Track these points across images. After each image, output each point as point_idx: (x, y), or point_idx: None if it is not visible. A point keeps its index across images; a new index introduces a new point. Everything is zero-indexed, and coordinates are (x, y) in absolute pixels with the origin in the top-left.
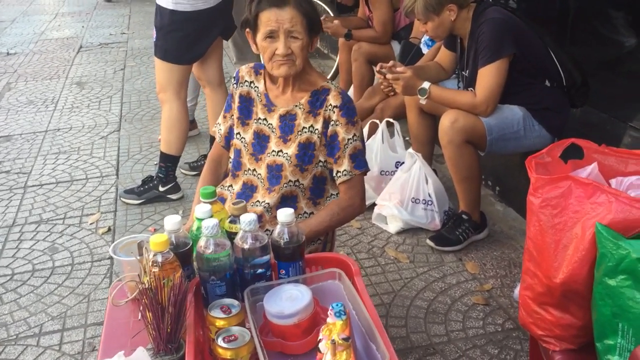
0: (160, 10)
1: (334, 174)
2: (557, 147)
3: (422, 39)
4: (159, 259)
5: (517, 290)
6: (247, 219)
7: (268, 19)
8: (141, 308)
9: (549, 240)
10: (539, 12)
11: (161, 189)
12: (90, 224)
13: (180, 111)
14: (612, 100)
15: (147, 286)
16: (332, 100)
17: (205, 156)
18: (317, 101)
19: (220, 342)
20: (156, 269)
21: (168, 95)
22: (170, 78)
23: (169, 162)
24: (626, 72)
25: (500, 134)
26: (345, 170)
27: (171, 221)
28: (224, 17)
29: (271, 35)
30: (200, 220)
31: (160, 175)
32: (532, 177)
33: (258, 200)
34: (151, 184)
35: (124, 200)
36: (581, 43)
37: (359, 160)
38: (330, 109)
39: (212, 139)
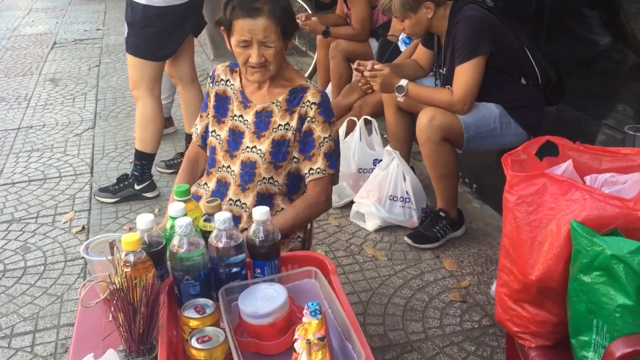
0: (132, 5)
1: (305, 171)
2: (532, 144)
3: (400, 37)
4: (131, 258)
5: (493, 287)
6: (222, 218)
7: (241, 28)
8: (112, 309)
9: (524, 237)
10: (515, 10)
11: (137, 187)
12: (64, 223)
13: (154, 108)
14: (587, 99)
15: (118, 286)
16: (311, 97)
17: (181, 154)
18: (294, 99)
19: (193, 342)
20: (128, 269)
21: (141, 92)
22: (143, 75)
23: (144, 160)
24: (601, 70)
25: (477, 131)
26: (319, 168)
27: (144, 220)
28: (196, 13)
29: (245, 45)
30: (174, 218)
31: (136, 173)
32: (508, 175)
33: (231, 199)
34: (126, 182)
35: (98, 198)
36: (556, 42)
37: (333, 160)
38: (307, 105)
39: (188, 136)
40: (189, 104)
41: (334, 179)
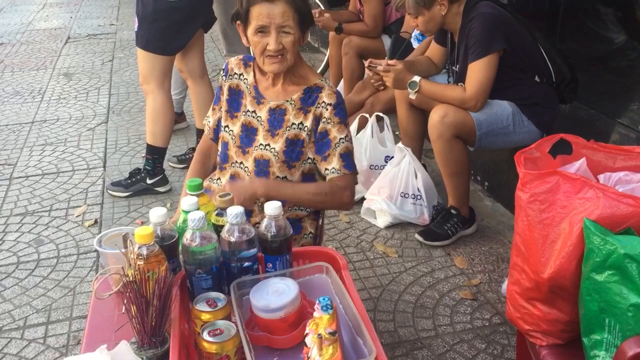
0: (143, 0)
1: (323, 171)
2: (546, 142)
3: (413, 34)
4: (144, 251)
5: (504, 285)
6: (234, 212)
7: (259, 13)
8: (125, 301)
9: (536, 235)
10: (529, 7)
11: (149, 181)
12: (77, 216)
13: (164, 102)
14: (601, 97)
15: (131, 279)
16: (326, 98)
17: (193, 149)
18: (309, 98)
19: (205, 335)
20: (141, 262)
21: (151, 87)
22: (153, 69)
23: (155, 154)
24: (615, 68)
25: (490, 129)
26: (334, 168)
27: (156, 213)
28: (206, 8)
29: (262, 30)
30: (187, 212)
31: (148, 167)
32: (521, 172)
33: None
34: (139, 177)
35: (111, 192)
36: (571, 39)
37: (349, 160)
38: (323, 106)
39: (199, 131)
40: (200, 99)
41: (353, 179)
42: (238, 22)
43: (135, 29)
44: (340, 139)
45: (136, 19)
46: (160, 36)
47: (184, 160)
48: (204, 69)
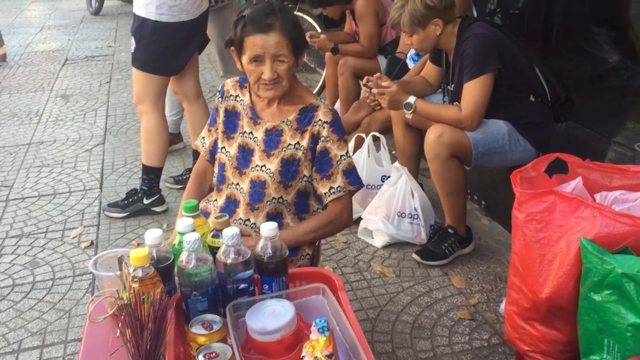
0: (141, 21)
1: (324, 191)
2: (542, 161)
3: (408, 54)
4: (139, 273)
5: (503, 305)
6: (230, 233)
7: (254, 44)
8: (120, 324)
9: (534, 254)
10: (523, 28)
11: (145, 201)
12: (73, 237)
13: (159, 122)
14: (596, 116)
15: (126, 302)
16: (322, 116)
17: (190, 170)
18: (305, 118)
19: (201, 359)
20: (136, 285)
21: (146, 107)
22: (148, 89)
23: (151, 174)
24: (610, 87)
25: (486, 148)
26: (339, 186)
27: (152, 235)
28: (202, 29)
29: (257, 60)
30: (182, 234)
31: (144, 187)
32: (517, 192)
33: (241, 218)
34: (135, 197)
35: (107, 214)
36: (565, 58)
37: (353, 176)
38: (319, 125)
39: (195, 153)
40: (195, 120)
41: (351, 196)
42: (232, 47)
43: (132, 50)
44: (342, 156)
45: (133, 40)
46: (159, 57)
47: (181, 180)
48: (199, 91)
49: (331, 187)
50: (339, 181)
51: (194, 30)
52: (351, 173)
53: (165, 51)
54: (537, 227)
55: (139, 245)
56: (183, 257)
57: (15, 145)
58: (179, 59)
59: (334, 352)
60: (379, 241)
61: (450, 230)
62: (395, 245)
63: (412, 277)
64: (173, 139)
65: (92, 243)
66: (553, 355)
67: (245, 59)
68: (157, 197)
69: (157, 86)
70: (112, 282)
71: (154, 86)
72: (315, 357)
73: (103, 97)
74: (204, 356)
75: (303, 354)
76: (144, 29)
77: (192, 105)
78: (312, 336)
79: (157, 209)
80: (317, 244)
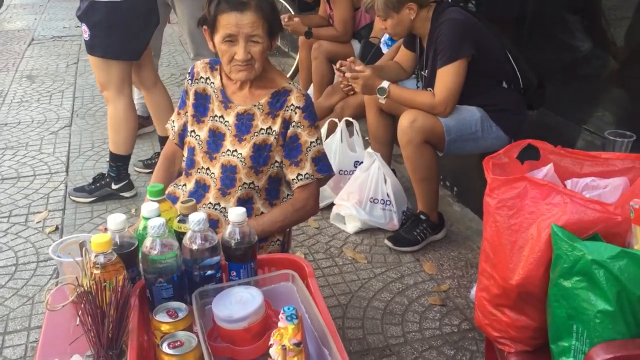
0: (89, 4)
1: (292, 177)
2: (514, 147)
3: (382, 39)
4: (101, 260)
5: (473, 291)
6: (196, 219)
7: (227, 22)
8: (80, 312)
9: (504, 241)
10: (497, 14)
11: (114, 186)
12: (37, 222)
13: (126, 110)
14: (568, 103)
15: (86, 289)
16: (295, 101)
17: (159, 154)
18: (277, 102)
19: (165, 348)
20: (97, 271)
21: (111, 94)
22: (111, 77)
23: (119, 161)
24: (582, 75)
25: (459, 134)
26: (307, 173)
27: (115, 220)
28: (155, 4)
29: (230, 39)
30: (147, 219)
31: (112, 174)
32: (489, 178)
33: (211, 202)
34: (103, 182)
35: (73, 198)
36: (538, 46)
37: (322, 164)
38: (291, 110)
39: (161, 139)
40: (157, 106)
41: (321, 182)
42: (205, 26)
43: (86, 38)
44: (312, 142)
45: (85, 27)
46: (121, 40)
47: (150, 165)
48: (155, 77)
49: (299, 174)
50: (307, 168)
51: (149, 4)
52: (320, 160)
53: (126, 33)
54: (508, 214)
55: (106, 230)
56: (147, 242)
57: None
58: (141, 40)
59: (303, 340)
60: (351, 227)
61: (422, 217)
62: (368, 231)
63: (384, 263)
64: (142, 122)
65: (57, 228)
66: (522, 341)
67: (218, 38)
68: (125, 182)
69: (120, 72)
70: (74, 268)
71: (117, 72)
72: (283, 346)
73: (70, 79)
74: (169, 345)
75: (271, 342)
76: (95, 12)
77: (151, 92)
78: (280, 324)
79: (126, 194)
80: (288, 229)
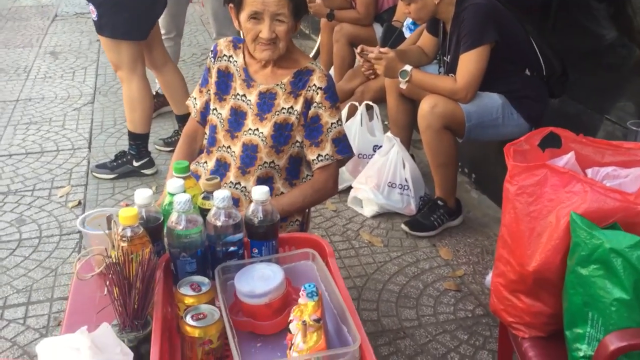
0: None
1: (312, 158)
2: (535, 135)
3: (405, 23)
4: (128, 233)
5: (488, 277)
6: (221, 196)
7: (254, 0)
8: (107, 283)
9: (523, 228)
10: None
11: (135, 164)
12: (60, 197)
13: (140, 89)
14: (590, 92)
15: (114, 261)
16: (317, 81)
17: (179, 132)
18: (299, 82)
19: (188, 320)
20: (125, 244)
21: (124, 74)
22: (122, 57)
23: (138, 140)
24: (605, 64)
25: (479, 121)
26: (327, 154)
27: (142, 195)
28: None
29: (256, 17)
30: (172, 195)
31: (132, 152)
32: (509, 165)
33: (231, 182)
34: (124, 159)
35: (95, 175)
36: (562, 33)
37: (342, 145)
38: (313, 90)
39: (178, 117)
40: (170, 86)
41: (341, 163)
42: (231, 5)
43: (94, 18)
44: (332, 123)
45: (92, 7)
46: (129, 20)
47: (171, 143)
48: (165, 57)
49: (319, 155)
50: (327, 149)
51: None
52: (340, 142)
53: (131, 12)
54: (527, 200)
55: (127, 206)
56: (173, 217)
57: (3, 101)
58: (148, 19)
59: (322, 317)
60: (368, 210)
61: (439, 202)
62: (385, 215)
63: (400, 247)
64: (163, 101)
65: (79, 203)
66: (537, 327)
67: (243, 16)
68: (146, 159)
69: (130, 52)
70: (100, 240)
71: (127, 52)
72: (304, 321)
73: (93, 56)
74: (192, 317)
75: (291, 317)
76: None
77: (162, 73)
78: (300, 300)
79: (147, 171)
80: (307, 210)
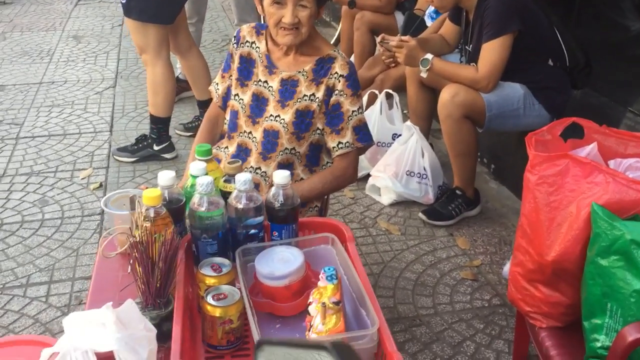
0: None
1: (332, 145)
2: (558, 125)
3: (427, 11)
4: (151, 213)
5: (506, 268)
6: (242, 179)
7: None
8: (131, 261)
9: (543, 217)
10: None
11: (155, 147)
12: (82, 178)
13: (164, 73)
14: (613, 84)
15: (138, 240)
16: (339, 69)
17: (200, 117)
18: (321, 69)
19: (209, 299)
20: (148, 224)
21: (149, 58)
22: (148, 40)
23: (159, 123)
24: (629, 56)
25: (500, 111)
26: (347, 142)
27: (165, 177)
28: None
29: (279, 2)
30: (195, 177)
31: (153, 136)
32: (531, 154)
33: (252, 167)
34: (145, 143)
35: (117, 158)
36: (587, 24)
37: (363, 133)
38: (335, 77)
39: (200, 102)
40: (193, 71)
41: (361, 151)
42: None
43: (123, 1)
44: (353, 111)
45: None
46: (155, 4)
47: (191, 128)
48: (190, 42)
49: (339, 142)
50: (348, 137)
51: None
52: (361, 130)
53: None
54: (548, 190)
55: (147, 189)
56: (195, 199)
57: (27, 84)
58: (176, 3)
59: (341, 299)
60: (386, 199)
61: (458, 192)
62: (402, 203)
63: (418, 235)
64: (184, 86)
65: (100, 185)
66: (554, 317)
67: (267, 0)
68: (167, 144)
69: (157, 35)
70: (123, 220)
71: (153, 36)
72: (323, 303)
73: (115, 40)
74: (213, 297)
75: (310, 300)
76: None
77: (186, 58)
78: (320, 283)
79: (167, 155)
80: (325, 197)
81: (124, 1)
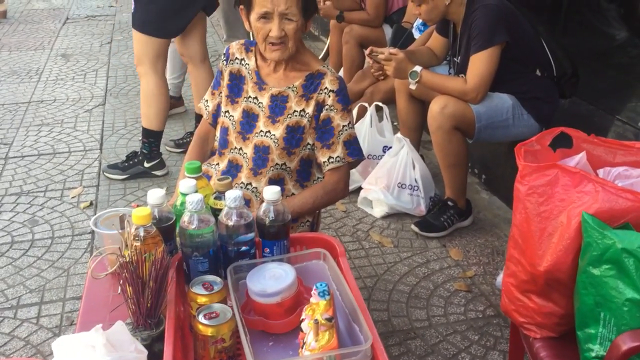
0: None
1: (323, 160)
2: (547, 135)
3: (414, 24)
4: (141, 232)
5: (499, 278)
6: (232, 196)
7: (263, 0)
8: (121, 282)
9: (534, 228)
10: (532, 0)
11: (146, 164)
12: (72, 197)
13: (158, 85)
14: (601, 92)
15: (127, 260)
16: (329, 84)
17: (191, 133)
18: (311, 85)
19: (201, 318)
20: (138, 243)
21: (145, 69)
22: (146, 51)
23: (151, 137)
24: (616, 64)
25: (489, 121)
26: (338, 156)
27: (154, 195)
28: None
29: (265, 17)
30: (185, 195)
31: (144, 151)
32: (520, 165)
33: (243, 182)
34: (136, 160)
35: (107, 175)
36: (573, 34)
37: (354, 148)
38: (325, 93)
39: (197, 116)
40: (199, 83)
41: (352, 165)
42: (241, 6)
43: (132, 11)
44: (344, 126)
45: (133, 1)
46: (157, 18)
47: (182, 144)
48: (205, 54)
49: (330, 157)
50: (338, 151)
51: None
52: (352, 144)
53: (161, 12)
54: (538, 201)
55: (138, 207)
56: (185, 217)
57: (15, 103)
58: (178, 21)
59: (334, 315)
60: (378, 211)
61: (449, 203)
62: (395, 215)
63: (410, 247)
64: (174, 103)
65: (91, 203)
66: (548, 327)
67: (253, 16)
68: (157, 160)
69: (155, 48)
70: (113, 240)
71: (152, 48)
72: (316, 320)
73: (104, 58)
74: (204, 316)
75: (303, 316)
76: None
77: (198, 68)
78: (312, 300)
79: (158, 172)
80: (317, 211)
81: (132, 12)
